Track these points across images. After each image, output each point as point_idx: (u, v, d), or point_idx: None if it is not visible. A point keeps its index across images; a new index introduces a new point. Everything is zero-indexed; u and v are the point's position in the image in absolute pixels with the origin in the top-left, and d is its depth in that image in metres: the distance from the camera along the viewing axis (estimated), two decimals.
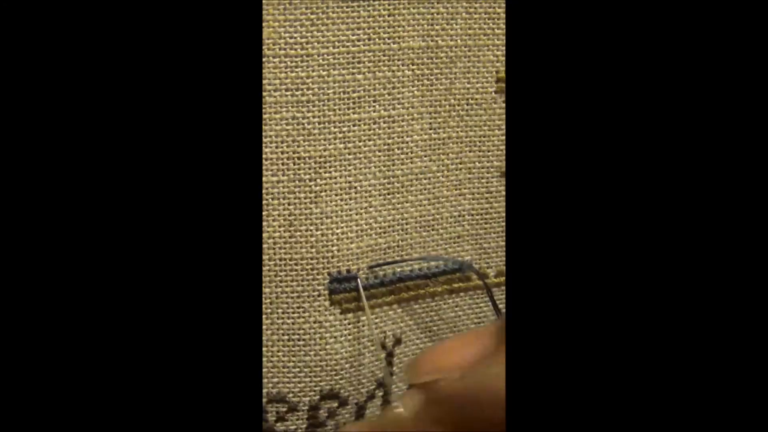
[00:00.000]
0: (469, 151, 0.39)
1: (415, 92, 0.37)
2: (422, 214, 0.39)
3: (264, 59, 0.34)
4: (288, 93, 0.35)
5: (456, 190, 0.39)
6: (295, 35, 0.34)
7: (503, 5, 0.37)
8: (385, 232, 0.38)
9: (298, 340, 0.37)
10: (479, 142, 0.39)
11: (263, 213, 0.36)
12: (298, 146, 0.35)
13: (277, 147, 0.35)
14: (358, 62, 0.36)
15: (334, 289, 0.37)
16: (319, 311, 0.37)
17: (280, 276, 0.37)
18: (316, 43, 0.35)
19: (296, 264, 0.37)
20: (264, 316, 0.37)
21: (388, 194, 0.38)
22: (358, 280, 0.37)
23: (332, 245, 0.37)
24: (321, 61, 0.35)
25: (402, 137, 0.37)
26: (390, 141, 0.37)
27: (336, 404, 0.38)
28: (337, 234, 0.37)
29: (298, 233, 0.36)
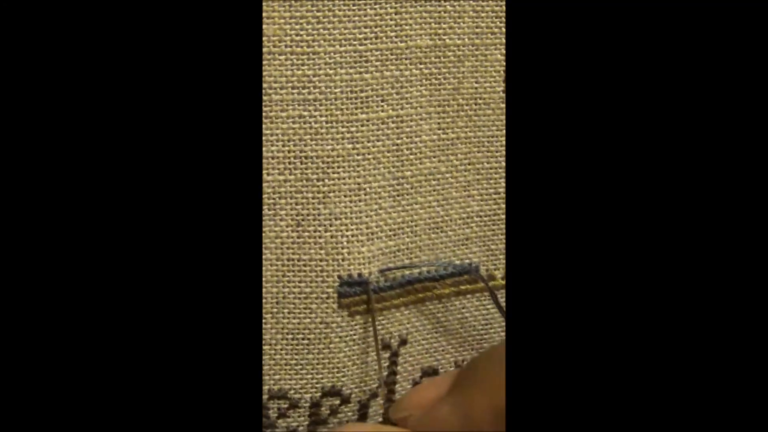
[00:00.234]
0: (478, 152, 0.39)
1: (423, 92, 0.37)
2: (431, 216, 0.39)
3: (270, 56, 0.34)
4: (294, 91, 0.35)
5: (465, 191, 0.39)
6: (301, 32, 0.34)
7: None
8: (395, 235, 0.38)
9: (303, 339, 0.37)
10: (488, 142, 0.39)
11: (270, 212, 0.36)
12: (306, 145, 0.35)
13: (283, 145, 0.35)
14: (366, 61, 0.35)
15: (343, 292, 0.37)
16: (326, 312, 0.37)
17: (288, 276, 0.36)
18: (322, 41, 0.35)
19: (305, 265, 0.36)
20: (269, 316, 0.36)
21: (398, 196, 0.38)
22: (370, 285, 0.37)
23: (342, 247, 0.37)
24: (328, 59, 0.35)
25: (411, 137, 0.37)
26: (399, 141, 0.37)
27: (338, 401, 0.38)
28: (347, 236, 0.37)
29: (306, 234, 0.36)
